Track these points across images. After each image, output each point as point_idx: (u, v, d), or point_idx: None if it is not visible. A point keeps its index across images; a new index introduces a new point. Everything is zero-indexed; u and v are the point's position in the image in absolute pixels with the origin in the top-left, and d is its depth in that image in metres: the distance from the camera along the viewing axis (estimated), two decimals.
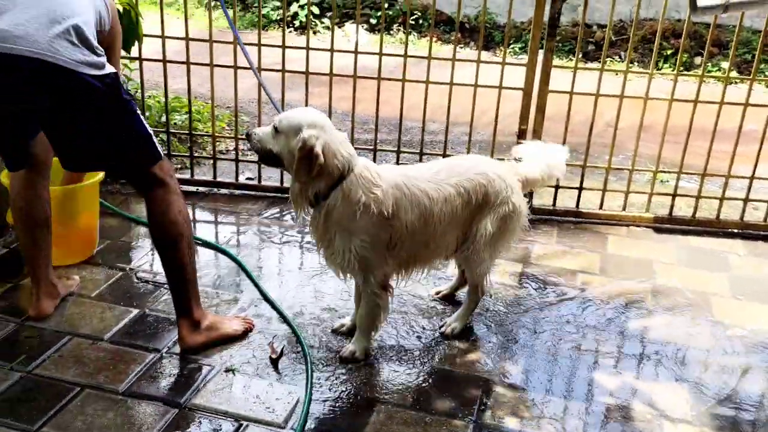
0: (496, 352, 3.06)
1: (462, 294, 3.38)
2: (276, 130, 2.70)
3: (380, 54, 4.22)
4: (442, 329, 3.17)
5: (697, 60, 8.03)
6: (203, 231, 4.03)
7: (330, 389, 2.76)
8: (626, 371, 2.99)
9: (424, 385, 2.82)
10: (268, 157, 2.78)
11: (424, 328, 3.19)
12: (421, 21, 9.69)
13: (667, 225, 4.36)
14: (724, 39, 8.38)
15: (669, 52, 8.49)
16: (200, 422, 2.55)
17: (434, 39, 9.30)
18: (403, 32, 4.28)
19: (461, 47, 9.38)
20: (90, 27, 2.59)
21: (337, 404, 2.68)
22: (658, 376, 2.97)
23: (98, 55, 2.58)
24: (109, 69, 2.62)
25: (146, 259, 3.62)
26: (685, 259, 3.99)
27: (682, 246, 4.14)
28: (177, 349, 2.91)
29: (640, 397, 2.83)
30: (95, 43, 2.59)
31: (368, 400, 2.71)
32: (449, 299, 3.43)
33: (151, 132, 2.77)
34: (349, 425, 2.60)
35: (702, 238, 4.24)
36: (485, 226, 2.96)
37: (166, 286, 3.08)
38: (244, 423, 2.56)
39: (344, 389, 2.77)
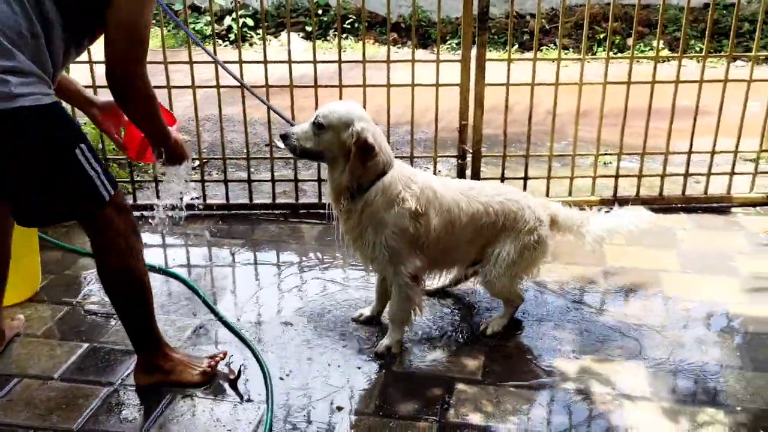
0: (455, 348, 3.06)
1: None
2: (318, 126, 2.73)
3: (314, 62, 4.20)
4: (482, 328, 3.17)
5: (630, 41, 8.20)
6: (151, 256, 3.94)
7: (291, 403, 2.72)
8: (585, 355, 3.02)
9: (386, 389, 2.80)
10: (306, 154, 2.84)
11: (378, 333, 3.17)
12: (356, 24, 9.70)
13: (613, 206, 4.41)
14: (654, 19, 8.58)
15: (602, 35, 8.66)
16: None
17: (371, 41, 9.35)
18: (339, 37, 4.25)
19: (399, 47, 9.42)
20: None
21: (299, 417, 2.64)
22: (617, 357, 3.01)
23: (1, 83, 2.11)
24: (24, 101, 2.14)
25: (93, 291, 3.52)
26: (633, 238, 4.03)
27: None
28: (132, 379, 2.83)
29: (600, 379, 2.85)
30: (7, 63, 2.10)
31: (331, 409, 2.68)
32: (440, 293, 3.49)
33: (95, 171, 2.36)
34: None
35: None
36: (508, 251, 3.04)
37: (115, 316, 3.02)
38: None
39: (306, 401, 2.73)
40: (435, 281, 3.43)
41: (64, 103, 2.50)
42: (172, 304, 3.43)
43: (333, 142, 2.74)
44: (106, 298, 3.33)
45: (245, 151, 4.47)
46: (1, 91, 2.11)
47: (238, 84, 3.98)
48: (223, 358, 2.89)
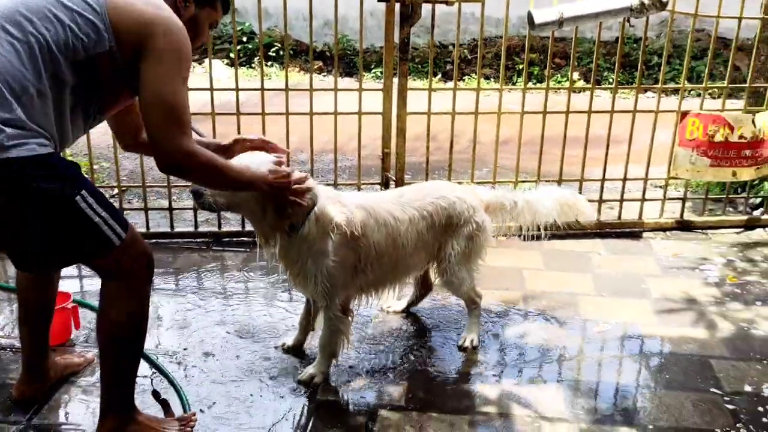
0: (379, 376, 3.07)
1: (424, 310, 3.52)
2: None
3: (237, 89, 4.19)
4: (460, 343, 3.26)
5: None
6: (66, 286, 3.80)
7: None
8: (506, 378, 3.07)
9: (309, 418, 2.78)
10: (223, 209, 2.79)
11: (302, 362, 3.15)
12: (281, 52, 9.71)
13: (532, 231, 4.53)
14: (570, 51, 8.91)
15: (520, 66, 8.93)
16: None
17: (296, 69, 9.37)
18: (263, 65, 4.25)
19: (324, 75, 9.47)
20: None
21: None
22: (536, 380, 3.08)
23: None
24: (18, 152, 2.03)
25: (3, 324, 3.38)
26: (551, 263, 4.18)
27: (547, 251, 4.33)
28: (39, 420, 2.71)
29: (520, 402, 2.91)
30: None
31: None
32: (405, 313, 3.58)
33: (101, 218, 2.22)
34: None
35: (565, 241, 4.44)
36: (453, 247, 3.14)
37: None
38: None
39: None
40: (393, 300, 3.52)
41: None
42: (88, 337, 3.32)
43: (248, 196, 2.68)
44: (14, 332, 3.23)
45: (166, 178, 4.39)
46: None
47: None
48: (194, 423, 2.69)
